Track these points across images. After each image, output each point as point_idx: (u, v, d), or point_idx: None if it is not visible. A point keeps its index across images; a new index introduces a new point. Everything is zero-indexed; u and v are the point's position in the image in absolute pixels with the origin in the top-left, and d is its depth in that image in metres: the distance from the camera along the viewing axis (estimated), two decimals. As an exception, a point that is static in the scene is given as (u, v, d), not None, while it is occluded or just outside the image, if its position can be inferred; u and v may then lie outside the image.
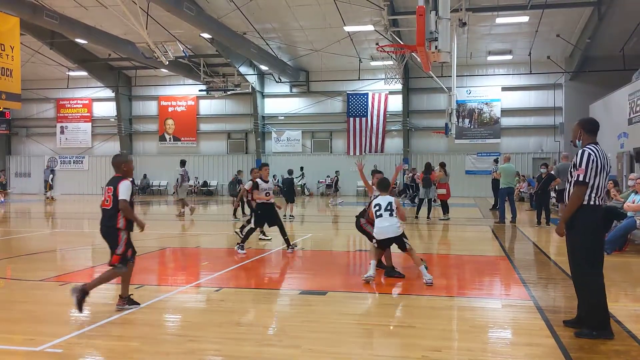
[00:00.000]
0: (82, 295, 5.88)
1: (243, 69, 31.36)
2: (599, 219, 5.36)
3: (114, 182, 6.16)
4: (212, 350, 5.00)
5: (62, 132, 37.67)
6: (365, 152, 32.94)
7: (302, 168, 17.84)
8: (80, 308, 5.87)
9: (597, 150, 5.33)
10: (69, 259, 10.66)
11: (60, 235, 14.79)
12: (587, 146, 5.39)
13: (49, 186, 30.19)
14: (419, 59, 15.25)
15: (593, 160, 5.25)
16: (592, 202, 5.27)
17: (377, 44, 24.12)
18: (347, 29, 25.38)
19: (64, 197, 32.30)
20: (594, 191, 5.26)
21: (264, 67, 31.48)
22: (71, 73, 33.63)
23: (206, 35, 25.40)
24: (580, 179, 5.25)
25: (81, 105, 37.34)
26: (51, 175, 30.74)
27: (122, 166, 6.28)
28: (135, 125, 37.16)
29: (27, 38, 26.17)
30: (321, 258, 10.21)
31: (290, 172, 19.35)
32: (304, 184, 32.91)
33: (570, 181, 5.41)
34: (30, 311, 6.32)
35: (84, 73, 33.21)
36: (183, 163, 19.40)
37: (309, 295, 7.02)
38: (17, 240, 13.41)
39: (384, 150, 32.85)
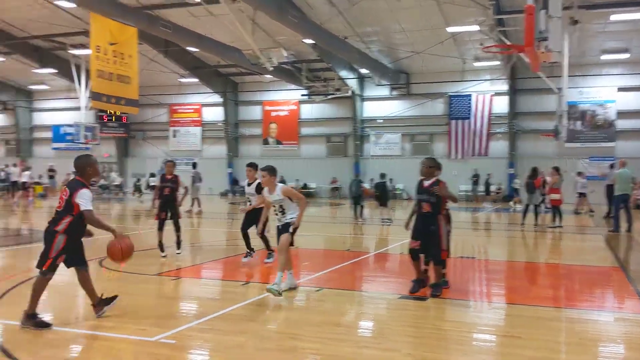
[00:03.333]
0: (29, 319, 5.52)
1: (343, 73, 31.64)
2: None
3: (71, 186, 5.72)
4: (312, 349, 5.11)
5: (174, 136, 39.98)
6: (467, 155, 32.10)
7: (383, 175, 18.04)
8: (45, 326, 5.55)
9: None
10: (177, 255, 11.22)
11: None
12: None
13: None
14: (527, 59, 14.67)
15: None
16: None
17: (481, 44, 23.45)
18: (450, 29, 24.86)
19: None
20: None
21: (364, 71, 31.58)
22: (183, 80, 35.58)
23: (308, 41, 25.90)
24: None
25: (192, 110, 39.43)
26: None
27: (87, 169, 5.86)
28: (241, 129, 38.63)
29: (143, 47, 27.92)
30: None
31: (382, 175, 19.41)
32: (402, 188, 32.64)
33: None
34: (140, 305, 6.74)
35: (194, 79, 35.01)
36: (195, 165, 22.75)
37: (408, 300, 6.98)
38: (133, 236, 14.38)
39: (488, 153, 31.81)
